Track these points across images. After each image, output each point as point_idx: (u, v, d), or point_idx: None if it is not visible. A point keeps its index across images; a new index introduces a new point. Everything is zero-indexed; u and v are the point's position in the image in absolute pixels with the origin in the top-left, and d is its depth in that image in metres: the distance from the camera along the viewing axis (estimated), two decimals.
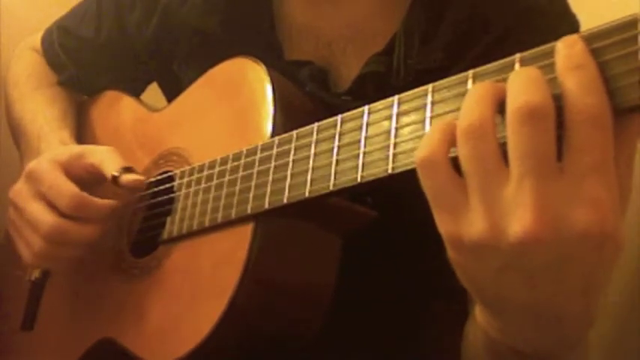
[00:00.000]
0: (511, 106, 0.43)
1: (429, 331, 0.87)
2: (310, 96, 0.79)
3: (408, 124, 0.54)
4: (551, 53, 0.45)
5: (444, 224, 0.46)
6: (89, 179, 0.80)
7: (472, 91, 0.46)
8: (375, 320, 0.85)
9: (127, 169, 0.79)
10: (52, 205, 0.78)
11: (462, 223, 0.45)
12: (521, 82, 0.43)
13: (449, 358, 0.73)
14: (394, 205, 0.70)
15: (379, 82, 0.79)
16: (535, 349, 0.53)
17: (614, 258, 0.45)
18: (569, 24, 0.78)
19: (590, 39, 0.44)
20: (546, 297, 0.47)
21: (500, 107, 0.45)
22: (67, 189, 0.78)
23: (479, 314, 0.55)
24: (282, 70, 0.77)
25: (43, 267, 0.86)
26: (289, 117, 0.71)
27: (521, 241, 0.42)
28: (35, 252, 0.80)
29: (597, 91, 0.42)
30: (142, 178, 0.79)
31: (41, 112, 0.96)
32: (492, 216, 0.43)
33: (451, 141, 0.46)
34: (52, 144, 0.89)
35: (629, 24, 0.42)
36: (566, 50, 0.44)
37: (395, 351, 0.85)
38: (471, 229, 0.44)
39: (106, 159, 0.80)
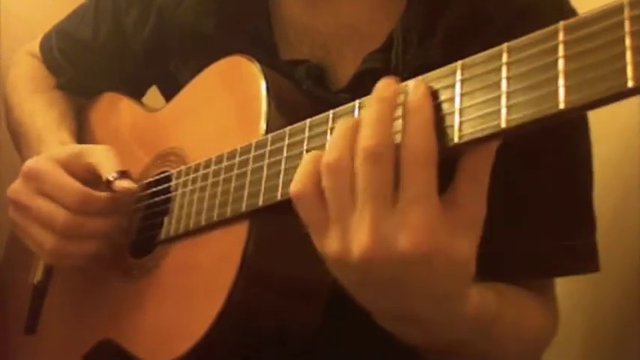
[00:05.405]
0: (356, 145, 0.51)
1: None
2: (307, 94, 0.78)
3: (398, 117, 0.54)
4: (539, 41, 0.46)
5: (317, 245, 0.55)
6: (88, 178, 0.80)
7: (337, 129, 0.54)
8: None
9: (123, 174, 0.79)
10: (57, 202, 0.78)
11: (325, 244, 0.54)
12: (366, 124, 0.52)
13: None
14: None
15: (377, 79, 0.78)
16: (418, 339, 0.63)
17: (452, 270, 0.52)
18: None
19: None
20: (400, 303, 0.55)
21: None
22: (71, 186, 0.78)
23: None
24: (278, 69, 0.77)
25: (61, 264, 0.85)
26: (284, 114, 0.71)
27: (361, 259, 0.51)
28: (49, 249, 0.79)
29: (426, 134, 0.50)
30: (133, 186, 0.79)
31: (40, 114, 0.96)
32: (344, 238, 0.52)
33: (319, 174, 0.53)
34: (51, 145, 0.89)
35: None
36: (410, 95, 0.51)
37: (396, 348, 0.84)
38: (330, 250, 0.53)
39: (103, 160, 0.81)
